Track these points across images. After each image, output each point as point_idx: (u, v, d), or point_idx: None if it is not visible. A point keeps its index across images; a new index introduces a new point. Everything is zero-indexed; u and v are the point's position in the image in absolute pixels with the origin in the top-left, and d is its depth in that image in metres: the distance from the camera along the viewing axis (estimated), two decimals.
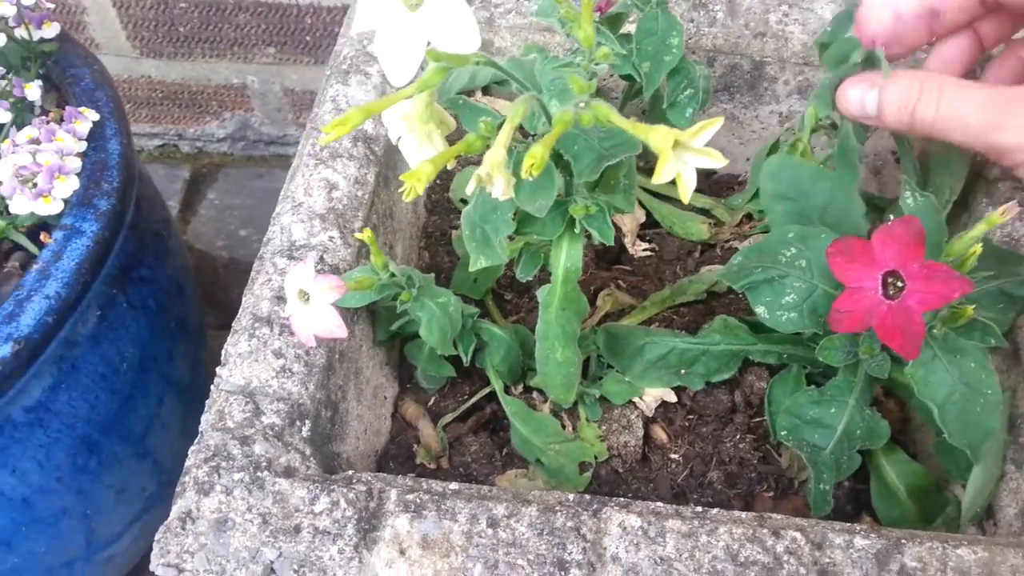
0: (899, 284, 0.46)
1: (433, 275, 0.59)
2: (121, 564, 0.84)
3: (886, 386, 0.62)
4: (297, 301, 0.47)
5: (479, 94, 0.79)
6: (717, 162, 0.40)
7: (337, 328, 0.47)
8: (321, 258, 0.57)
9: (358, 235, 0.51)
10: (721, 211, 0.76)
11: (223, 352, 0.52)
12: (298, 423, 0.50)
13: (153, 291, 0.77)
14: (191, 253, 1.23)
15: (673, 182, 0.42)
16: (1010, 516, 0.54)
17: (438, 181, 0.78)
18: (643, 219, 0.76)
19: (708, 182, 0.83)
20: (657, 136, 0.40)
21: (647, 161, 0.81)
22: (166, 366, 0.79)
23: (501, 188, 0.43)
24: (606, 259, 0.75)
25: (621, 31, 0.67)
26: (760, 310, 0.56)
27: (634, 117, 0.76)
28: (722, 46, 0.76)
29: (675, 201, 0.77)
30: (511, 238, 0.54)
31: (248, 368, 0.51)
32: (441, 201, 0.76)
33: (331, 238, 0.58)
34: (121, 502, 0.76)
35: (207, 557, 0.46)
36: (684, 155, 0.41)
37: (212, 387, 0.51)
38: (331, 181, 0.61)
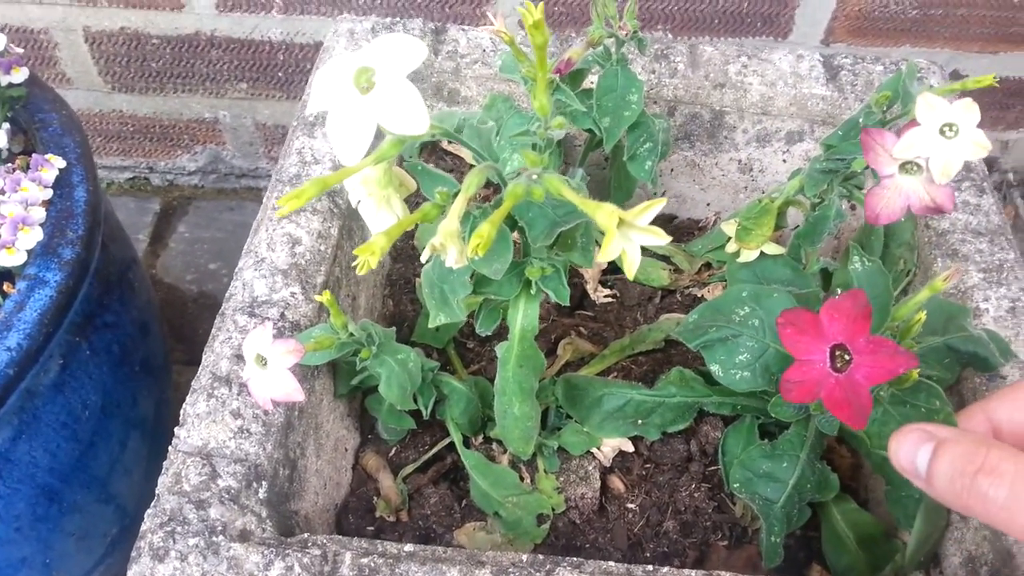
0: (847, 357, 0.48)
1: (395, 328, 0.60)
2: None
3: (839, 433, 0.64)
4: (255, 365, 0.48)
5: (445, 142, 0.80)
6: (661, 239, 0.42)
7: (294, 392, 0.48)
8: (282, 315, 0.57)
9: (317, 297, 0.52)
10: (681, 258, 0.77)
11: (182, 411, 0.53)
12: (255, 485, 0.50)
13: (117, 336, 0.77)
14: (160, 287, 1.22)
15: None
16: (955, 565, 0.56)
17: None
18: (605, 265, 0.78)
19: (670, 227, 0.84)
20: (603, 215, 0.41)
21: None
22: (129, 410, 0.79)
23: (454, 257, 0.44)
24: (568, 305, 0.76)
25: (584, 85, 0.69)
26: (714, 368, 0.57)
27: (593, 167, 0.78)
28: (683, 96, 0.77)
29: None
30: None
31: (206, 429, 0.52)
32: (405, 248, 0.77)
33: (293, 294, 0.58)
34: (82, 549, 0.76)
35: None
36: (629, 233, 0.42)
37: (170, 447, 0.51)
38: (294, 236, 0.61)
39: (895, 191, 0.51)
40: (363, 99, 0.38)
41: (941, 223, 0.68)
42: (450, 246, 0.43)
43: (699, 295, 0.75)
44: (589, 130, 0.71)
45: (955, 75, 1.17)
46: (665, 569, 0.49)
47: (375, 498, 0.62)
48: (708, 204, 0.85)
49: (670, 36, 1.10)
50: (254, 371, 0.48)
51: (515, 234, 0.53)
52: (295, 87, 1.19)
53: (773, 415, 0.58)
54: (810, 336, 0.49)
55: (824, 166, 0.60)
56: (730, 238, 0.67)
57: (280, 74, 1.19)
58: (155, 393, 0.85)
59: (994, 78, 0.54)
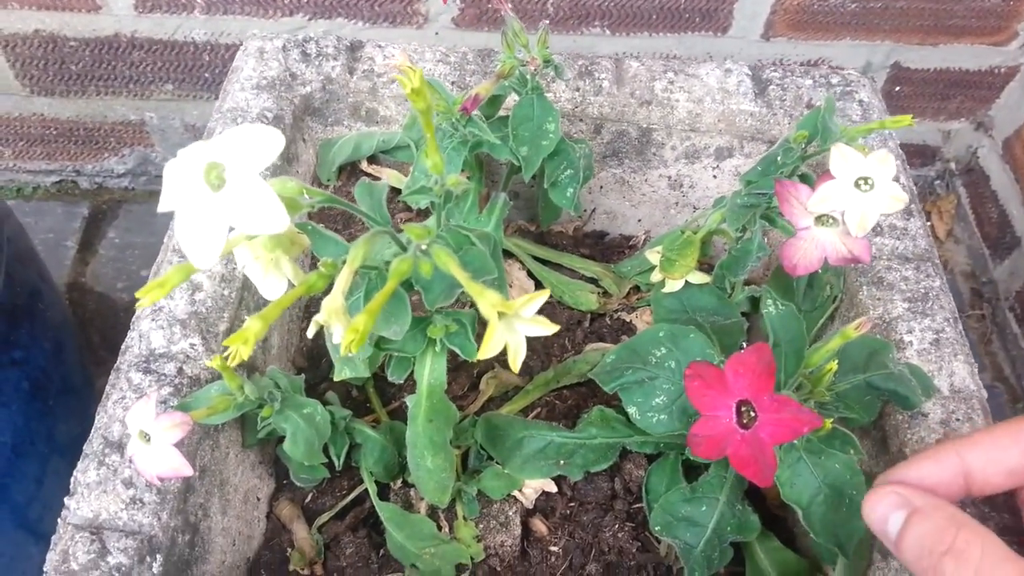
0: (752, 413, 0.46)
1: (303, 377, 0.58)
2: None
3: None
4: (138, 440, 0.46)
5: (365, 163, 0.77)
6: (547, 330, 0.40)
7: (181, 467, 0.46)
8: (180, 370, 0.55)
9: (208, 363, 0.49)
10: (609, 282, 0.75)
11: (72, 480, 0.50)
12: (148, 559, 0.48)
13: (26, 372, 0.74)
14: (89, 296, 1.19)
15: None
16: None
17: (315, 262, 0.76)
18: (532, 289, 0.76)
19: (600, 245, 0.82)
20: (485, 305, 0.39)
21: (537, 226, 0.81)
22: (45, 444, 0.77)
23: (340, 334, 0.42)
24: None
25: (502, 110, 0.66)
26: (632, 411, 0.56)
27: (522, 184, 0.75)
28: (609, 114, 0.75)
29: (565, 270, 0.77)
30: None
31: (96, 500, 0.49)
32: None
33: (192, 345, 0.56)
34: None
35: None
36: (514, 323, 0.40)
37: (59, 520, 0.49)
38: (195, 282, 0.59)
39: (811, 243, 0.50)
40: (214, 198, 0.35)
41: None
42: (335, 324, 0.41)
43: (628, 320, 0.74)
44: None
45: (896, 67, 1.15)
46: None
47: (289, 550, 0.60)
48: (639, 220, 0.83)
49: (607, 33, 1.07)
50: (138, 447, 0.46)
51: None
52: (219, 97, 1.15)
53: (692, 457, 0.57)
54: (716, 391, 0.48)
55: (745, 200, 0.59)
56: (655, 266, 0.66)
57: (207, 75, 1.14)
58: (79, 410, 0.82)
59: (911, 119, 0.52)
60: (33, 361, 0.75)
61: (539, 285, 0.75)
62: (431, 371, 0.53)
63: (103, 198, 1.29)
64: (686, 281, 0.64)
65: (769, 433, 0.46)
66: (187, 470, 0.46)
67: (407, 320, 0.47)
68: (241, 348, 0.39)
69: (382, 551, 0.61)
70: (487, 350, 0.38)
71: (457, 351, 0.51)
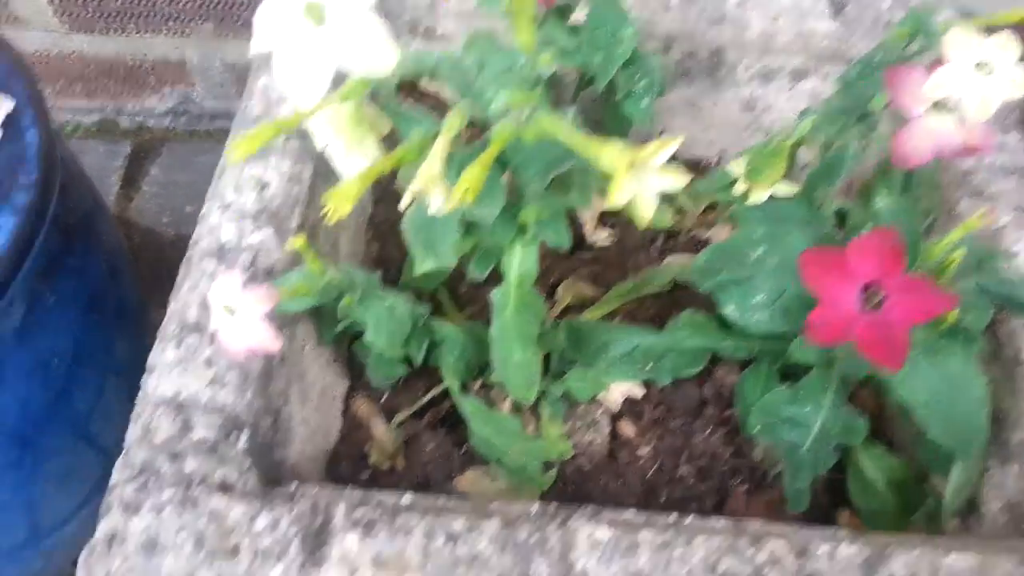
0: (879, 295, 0.44)
1: (379, 273, 0.55)
2: (71, 549, 0.80)
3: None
4: (224, 315, 0.43)
5: (424, 81, 0.74)
6: (678, 181, 0.37)
7: (270, 340, 0.43)
8: (254, 260, 0.52)
9: (290, 244, 0.47)
10: (685, 198, 0.73)
11: (148, 360, 0.48)
12: (234, 435, 0.46)
13: (84, 282, 0.72)
14: (135, 231, 1.17)
15: None
16: (994, 511, 0.53)
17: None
18: (604, 205, 0.73)
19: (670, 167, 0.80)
20: (609, 156, 0.36)
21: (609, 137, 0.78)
22: (104, 357, 0.76)
23: (440, 202, 0.39)
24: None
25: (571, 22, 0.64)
26: (729, 310, 0.53)
27: (586, 104, 0.73)
28: (678, 32, 0.72)
29: None
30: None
31: (177, 378, 0.47)
32: (390, 188, 0.72)
33: (265, 238, 0.53)
34: (63, 492, 0.74)
35: None
36: (642, 175, 0.37)
37: (138, 398, 0.47)
38: (262, 179, 0.56)
39: (925, 132, 0.47)
40: (317, 33, 0.32)
41: (964, 162, 0.64)
42: (433, 191, 0.39)
43: (705, 237, 0.71)
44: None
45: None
46: (690, 518, 0.45)
47: (368, 445, 0.58)
48: (710, 142, 0.80)
49: None
50: (223, 320, 0.43)
51: (507, 174, 0.48)
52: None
53: (795, 359, 0.54)
54: (836, 276, 0.46)
55: (840, 105, 0.56)
56: (737, 179, 0.63)
57: (246, 13, 1.12)
58: (132, 338, 0.82)
59: None
60: (90, 274, 0.74)
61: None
62: (521, 261, 0.51)
63: (144, 137, 1.27)
64: (771, 195, 0.62)
65: (901, 314, 0.43)
66: (276, 343, 0.43)
67: (500, 201, 0.45)
68: (341, 205, 0.36)
69: (464, 448, 0.58)
70: (616, 198, 0.36)
71: (548, 240, 0.49)
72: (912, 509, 0.55)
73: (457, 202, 0.38)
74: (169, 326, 0.50)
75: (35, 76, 0.73)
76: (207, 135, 1.26)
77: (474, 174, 0.38)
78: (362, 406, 0.59)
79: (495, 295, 0.53)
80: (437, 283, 0.64)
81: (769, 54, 0.73)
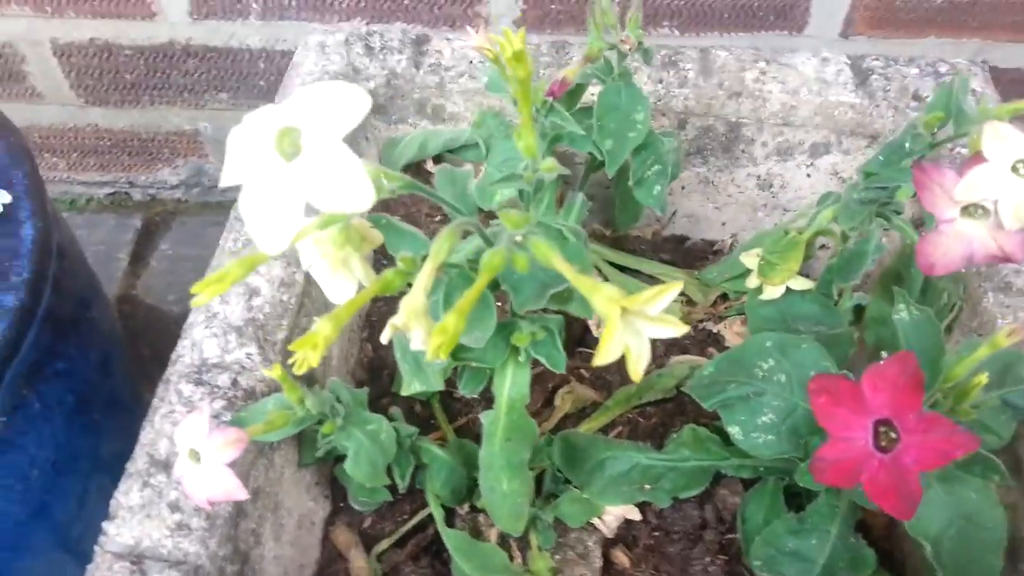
0: (892, 435, 0.40)
1: (366, 390, 0.52)
2: None
3: None
4: (188, 460, 0.41)
5: (430, 163, 0.72)
6: (676, 331, 0.33)
7: (235, 490, 0.40)
8: (235, 381, 0.50)
9: (266, 372, 0.44)
10: (694, 289, 0.69)
11: (111, 503, 0.45)
12: None
13: (72, 384, 0.70)
14: (140, 309, 1.16)
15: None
16: None
17: (384, 261, 0.71)
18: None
19: (681, 251, 0.76)
20: (602, 300, 0.33)
21: (613, 230, 0.75)
22: (89, 460, 0.73)
23: (420, 338, 0.36)
24: (567, 343, 0.68)
25: (581, 103, 0.61)
26: (734, 431, 0.50)
27: (596, 186, 0.70)
28: (694, 108, 0.69)
29: (644, 276, 0.71)
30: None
31: (139, 525, 0.44)
32: None
33: (248, 355, 0.51)
34: None
35: None
36: (636, 322, 0.33)
37: (96, 547, 0.44)
38: (251, 286, 0.54)
39: (955, 238, 0.43)
40: (287, 169, 0.29)
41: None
42: (415, 327, 0.36)
43: (714, 330, 0.68)
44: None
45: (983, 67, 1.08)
46: None
47: None
48: (723, 224, 0.77)
49: (676, 33, 1.01)
50: (187, 467, 0.41)
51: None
52: (278, 96, 1.12)
53: (800, 484, 0.50)
54: (849, 408, 0.42)
55: (863, 196, 0.53)
56: (750, 270, 0.60)
57: (262, 83, 1.11)
58: (125, 428, 0.78)
59: None
60: (79, 374, 0.71)
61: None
62: (512, 383, 0.47)
63: (156, 210, 1.26)
64: (786, 287, 0.58)
65: (915, 458, 0.39)
66: (241, 493, 0.41)
67: (492, 325, 0.42)
68: (310, 354, 0.33)
69: None
70: (606, 354, 0.32)
71: (543, 361, 0.46)
72: None
73: (433, 354, 0.35)
74: (138, 460, 0.48)
75: (35, 162, 0.71)
76: (219, 207, 1.26)
77: (451, 324, 0.35)
78: (341, 535, 0.56)
79: (485, 419, 0.50)
80: (430, 394, 0.61)
81: (789, 128, 0.70)
